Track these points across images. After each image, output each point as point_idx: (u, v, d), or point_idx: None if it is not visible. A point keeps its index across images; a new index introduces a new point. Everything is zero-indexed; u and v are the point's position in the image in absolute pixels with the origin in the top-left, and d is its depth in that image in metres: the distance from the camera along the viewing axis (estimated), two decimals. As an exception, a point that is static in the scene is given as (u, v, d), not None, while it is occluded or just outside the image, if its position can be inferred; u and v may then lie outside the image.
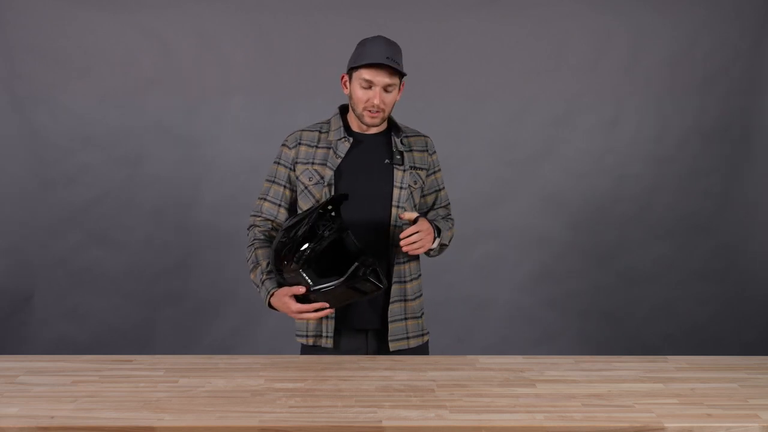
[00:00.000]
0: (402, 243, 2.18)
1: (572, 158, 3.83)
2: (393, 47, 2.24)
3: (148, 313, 3.79)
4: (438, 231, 2.31)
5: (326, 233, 2.09)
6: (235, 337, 3.82)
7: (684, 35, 3.77)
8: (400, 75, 2.25)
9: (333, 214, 2.14)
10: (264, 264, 2.26)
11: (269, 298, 2.20)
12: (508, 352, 3.60)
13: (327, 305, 2.11)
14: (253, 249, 2.31)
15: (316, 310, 2.11)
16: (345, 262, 2.09)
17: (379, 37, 2.25)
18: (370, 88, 2.22)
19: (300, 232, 2.08)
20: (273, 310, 2.22)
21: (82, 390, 1.86)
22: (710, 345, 3.82)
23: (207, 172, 3.75)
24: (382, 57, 2.18)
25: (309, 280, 2.08)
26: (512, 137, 3.81)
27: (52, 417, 1.69)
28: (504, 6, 3.73)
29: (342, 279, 2.06)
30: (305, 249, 2.07)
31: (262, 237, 2.33)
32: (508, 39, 3.76)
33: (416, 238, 2.18)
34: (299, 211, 2.33)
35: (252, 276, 2.28)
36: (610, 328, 3.89)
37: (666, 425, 1.68)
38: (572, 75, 3.78)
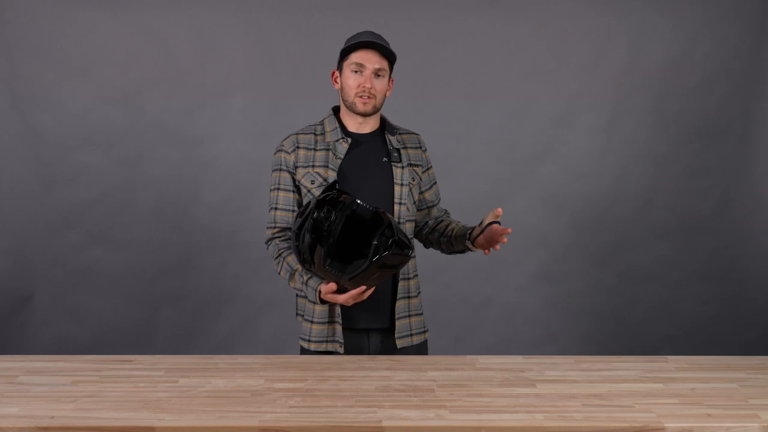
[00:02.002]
0: (484, 237, 2.23)
1: (572, 158, 3.83)
2: (381, 38, 2.30)
3: (148, 313, 3.79)
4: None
5: (333, 225, 2.07)
6: (235, 337, 3.82)
7: (684, 35, 3.77)
8: (390, 62, 2.29)
9: (329, 204, 2.11)
10: (300, 267, 2.24)
11: (319, 296, 2.21)
12: (508, 352, 3.60)
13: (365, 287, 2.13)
14: (282, 260, 2.30)
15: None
16: (366, 234, 2.07)
17: (368, 31, 2.32)
18: (360, 72, 2.25)
19: (307, 238, 2.08)
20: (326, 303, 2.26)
21: (82, 390, 1.86)
22: (710, 345, 3.82)
23: (207, 172, 3.75)
24: (371, 39, 2.25)
25: (338, 273, 2.08)
26: (512, 137, 3.81)
27: (52, 417, 1.69)
28: (504, 6, 3.73)
29: (368, 263, 2.04)
30: (320, 250, 2.06)
31: (286, 245, 2.32)
32: (508, 39, 3.76)
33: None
34: None
35: (292, 284, 2.28)
36: (610, 328, 3.89)
37: (666, 425, 1.68)
38: (572, 75, 3.78)
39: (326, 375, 1.99)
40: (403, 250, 2.08)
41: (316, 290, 2.20)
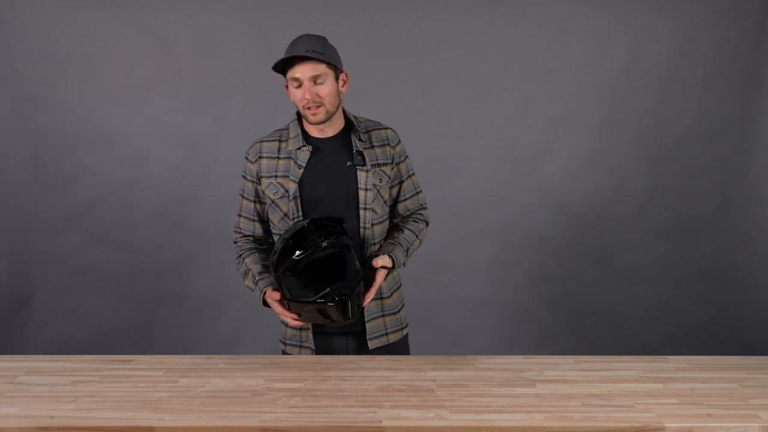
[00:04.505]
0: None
1: (572, 158, 3.83)
2: (312, 40, 2.20)
3: (148, 313, 3.79)
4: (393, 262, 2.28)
5: (314, 250, 2.06)
6: (235, 337, 3.82)
7: (684, 35, 3.77)
8: (328, 65, 2.19)
9: (328, 229, 2.11)
10: (254, 268, 2.30)
11: (263, 297, 2.24)
12: (508, 352, 3.60)
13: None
14: (241, 260, 2.35)
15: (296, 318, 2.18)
16: (339, 278, 2.09)
17: (301, 36, 2.22)
18: (300, 86, 2.20)
19: (289, 244, 2.09)
20: (268, 308, 2.26)
21: (82, 390, 1.86)
22: (710, 345, 3.82)
23: (207, 172, 3.75)
24: (300, 51, 2.16)
25: (285, 290, 2.10)
26: (512, 137, 3.81)
27: (52, 417, 1.69)
28: (504, 6, 3.73)
29: (311, 299, 2.07)
30: (291, 259, 2.07)
31: (248, 247, 2.37)
32: (508, 39, 3.76)
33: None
34: (270, 226, 2.35)
35: (246, 283, 2.32)
36: (610, 328, 3.89)
37: (666, 425, 1.68)
38: (572, 75, 3.78)
39: (326, 375, 1.99)
40: (346, 314, 2.08)
41: (262, 291, 2.23)
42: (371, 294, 2.20)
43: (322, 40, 2.22)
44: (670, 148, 3.83)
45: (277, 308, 2.18)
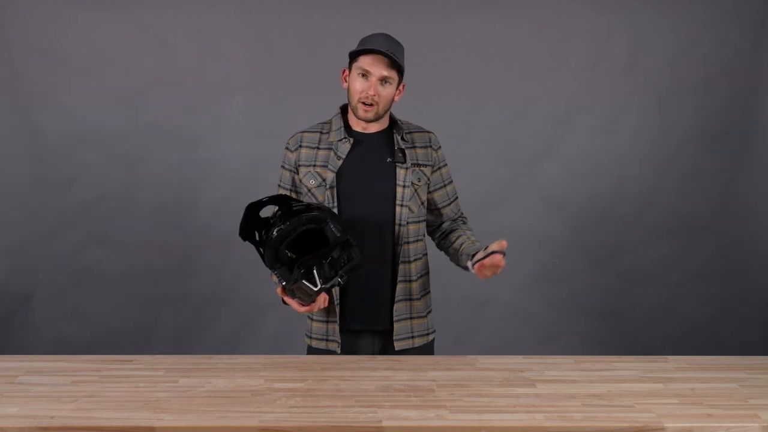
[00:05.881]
0: (482, 264, 2.18)
1: (572, 158, 3.83)
2: (394, 43, 2.26)
3: (148, 313, 3.78)
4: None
5: (283, 233, 2.07)
6: (235, 337, 3.82)
7: (684, 35, 3.77)
8: (399, 71, 2.25)
9: (294, 209, 2.11)
10: None
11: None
12: (508, 352, 3.59)
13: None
14: None
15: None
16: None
17: (383, 33, 2.27)
18: (366, 78, 2.23)
19: (263, 237, 2.13)
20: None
21: (82, 390, 1.86)
22: (710, 345, 3.81)
23: (207, 172, 3.75)
24: (382, 47, 2.21)
25: (281, 280, 2.11)
26: (512, 137, 3.81)
27: (52, 417, 1.69)
28: (504, 6, 3.73)
29: (291, 281, 2.08)
30: (263, 252, 2.10)
31: None
32: (508, 39, 3.76)
33: (491, 272, 2.18)
34: None
35: (273, 278, 2.31)
36: (610, 328, 3.89)
37: (666, 425, 1.68)
38: (572, 75, 3.78)
39: (326, 375, 1.99)
40: (312, 282, 2.06)
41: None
42: (482, 257, 2.17)
43: (402, 47, 2.28)
44: (670, 148, 3.83)
45: (291, 303, 2.18)
